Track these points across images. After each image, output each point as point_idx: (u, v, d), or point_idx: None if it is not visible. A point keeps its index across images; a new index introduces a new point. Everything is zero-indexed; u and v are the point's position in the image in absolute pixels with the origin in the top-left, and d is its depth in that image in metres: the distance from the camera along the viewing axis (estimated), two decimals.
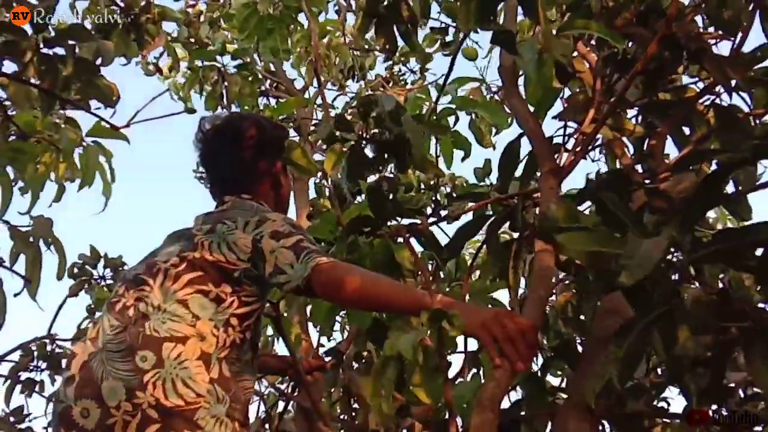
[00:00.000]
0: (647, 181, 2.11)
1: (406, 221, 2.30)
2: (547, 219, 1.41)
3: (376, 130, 2.49)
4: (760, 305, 1.37)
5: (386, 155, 2.53)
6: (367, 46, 4.85)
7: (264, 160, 2.20)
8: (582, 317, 2.08)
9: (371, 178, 2.54)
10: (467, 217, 2.34)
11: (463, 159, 2.52)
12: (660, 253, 1.35)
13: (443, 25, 3.27)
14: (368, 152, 2.52)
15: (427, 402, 1.49)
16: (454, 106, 2.43)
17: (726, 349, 1.38)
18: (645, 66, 1.92)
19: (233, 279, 1.90)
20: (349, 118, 2.67)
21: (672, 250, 1.42)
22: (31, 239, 2.79)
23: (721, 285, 1.44)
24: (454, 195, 3.33)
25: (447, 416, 1.55)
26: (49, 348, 4.04)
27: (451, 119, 2.68)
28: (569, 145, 2.20)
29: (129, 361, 1.76)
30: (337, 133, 2.49)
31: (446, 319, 1.43)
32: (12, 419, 3.93)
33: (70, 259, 3.12)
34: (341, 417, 2.48)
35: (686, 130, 2.27)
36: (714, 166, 2.26)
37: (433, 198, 3.38)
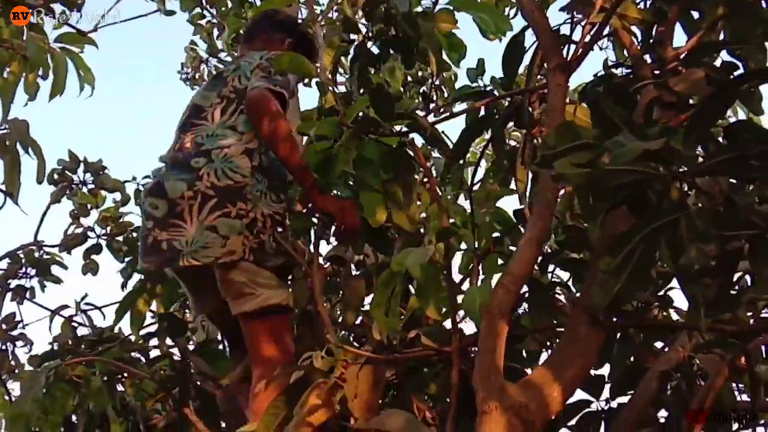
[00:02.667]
0: (657, 72, 2.06)
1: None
2: (546, 146, 1.37)
3: (381, 27, 2.43)
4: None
5: (391, 51, 2.48)
6: None
7: (278, 33, 2.81)
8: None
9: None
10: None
11: (458, 62, 2.45)
12: (652, 147, 1.32)
13: None
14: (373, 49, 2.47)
15: (435, 317, 1.50)
16: (452, 8, 2.34)
17: (733, 258, 1.37)
18: None
19: None
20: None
21: None
22: (7, 143, 2.74)
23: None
24: (444, 89, 3.27)
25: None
26: (36, 255, 4.07)
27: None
28: (576, 36, 2.13)
29: (186, 166, 2.39)
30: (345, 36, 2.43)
31: (453, 236, 1.42)
32: (4, 326, 3.98)
33: (49, 165, 3.04)
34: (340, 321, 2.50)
35: (696, 15, 2.20)
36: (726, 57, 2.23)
37: (421, 91, 3.29)
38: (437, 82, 3.71)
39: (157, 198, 2.39)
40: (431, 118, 2.51)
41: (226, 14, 5.42)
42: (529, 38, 2.12)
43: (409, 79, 3.83)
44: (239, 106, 2.48)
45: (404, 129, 2.08)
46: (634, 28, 2.15)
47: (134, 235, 3.94)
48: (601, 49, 2.38)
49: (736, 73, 2.16)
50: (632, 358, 2.16)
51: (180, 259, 2.32)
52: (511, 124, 2.29)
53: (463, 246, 2.38)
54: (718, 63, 1.99)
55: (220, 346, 2.91)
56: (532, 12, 1.96)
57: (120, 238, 4.07)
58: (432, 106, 3.81)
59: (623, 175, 1.39)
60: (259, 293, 2.34)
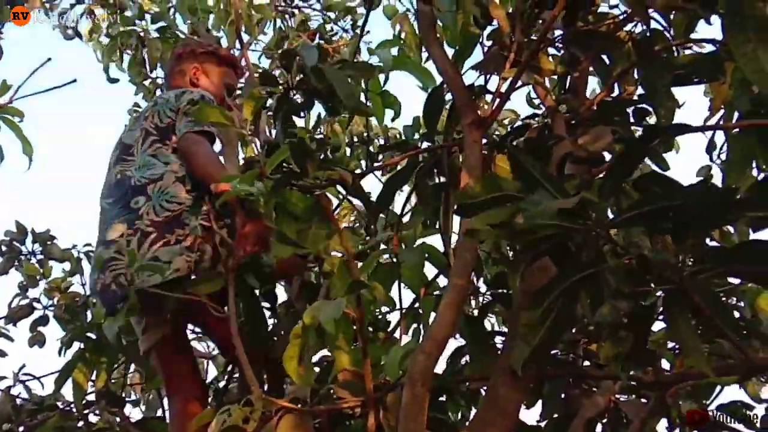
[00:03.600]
0: (573, 122, 2.10)
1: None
2: (468, 196, 1.39)
3: (302, 77, 2.44)
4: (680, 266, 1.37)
5: (315, 101, 2.49)
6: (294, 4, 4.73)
7: (185, 64, 2.95)
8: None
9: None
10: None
11: (393, 119, 2.49)
12: (567, 205, 1.35)
13: None
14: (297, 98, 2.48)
15: (349, 368, 1.50)
16: (383, 65, 2.37)
17: (647, 313, 1.40)
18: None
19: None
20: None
21: None
22: None
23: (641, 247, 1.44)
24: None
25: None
26: None
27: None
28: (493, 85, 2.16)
29: (126, 207, 2.47)
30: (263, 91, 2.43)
31: (365, 289, 1.42)
32: None
33: None
34: None
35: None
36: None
37: (368, 151, 3.35)
38: (382, 141, 3.76)
39: (101, 246, 2.47)
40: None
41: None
42: None
43: (356, 139, 3.90)
44: (161, 139, 2.59)
45: (325, 181, 2.09)
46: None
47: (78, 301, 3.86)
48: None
49: (650, 120, 2.25)
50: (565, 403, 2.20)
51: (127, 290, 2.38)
52: None
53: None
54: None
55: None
56: (446, 69, 1.99)
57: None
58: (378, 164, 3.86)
59: (541, 230, 1.41)
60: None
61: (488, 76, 2.10)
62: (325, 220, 1.97)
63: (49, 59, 2.56)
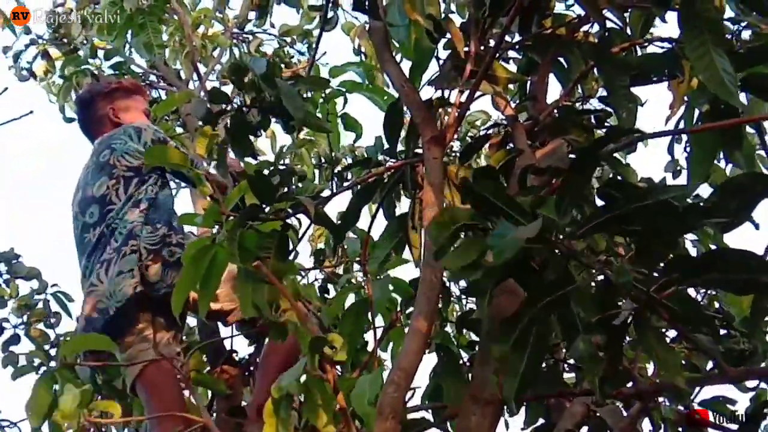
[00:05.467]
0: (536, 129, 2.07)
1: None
2: (431, 239, 1.36)
3: (255, 95, 2.39)
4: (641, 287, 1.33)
5: (270, 118, 2.45)
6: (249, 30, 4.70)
7: (100, 108, 3.00)
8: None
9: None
10: None
11: (354, 141, 2.46)
12: (530, 234, 1.32)
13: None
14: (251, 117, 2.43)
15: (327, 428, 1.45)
16: (344, 89, 2.34)
17: (619, 333, 1.36)
18: (519, 5, 1.85)
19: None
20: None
21: None
22: None
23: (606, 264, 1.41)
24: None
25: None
26: None
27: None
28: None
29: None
30: (214, 109, 2.38)
31: (327, 345, 1.38)
32: None
33: None
34: None
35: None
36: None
37: (336, 171, 3.32)
38: (350, 160, 3.73)
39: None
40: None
41: None
42: None
43: (323, 159, 3.88)
44: (140, 179, 2.71)
45: (288, 211, 2.03)
46: None
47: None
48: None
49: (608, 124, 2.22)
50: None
51: (109, 310, 2.50)
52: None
53: None
54: None
55: None
56: (402, 86, 1.94)
57: (40, 326, 3.99)
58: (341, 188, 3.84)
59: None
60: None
61: (445, 91, 2.06)
62: (285, 254, 1.91)
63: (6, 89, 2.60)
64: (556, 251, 1.40)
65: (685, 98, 2.07)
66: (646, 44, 2.09)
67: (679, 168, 2.84)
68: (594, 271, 1.41)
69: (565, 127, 1.92)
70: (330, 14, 3.01)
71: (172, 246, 2.61)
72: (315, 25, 4.37)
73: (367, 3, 1.95)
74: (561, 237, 1.40)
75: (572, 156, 1.88)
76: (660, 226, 1.35)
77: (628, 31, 2.08)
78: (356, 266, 3.55)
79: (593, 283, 1.44)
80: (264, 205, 1.98)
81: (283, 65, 4.52)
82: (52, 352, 3.96)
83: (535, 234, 1.30)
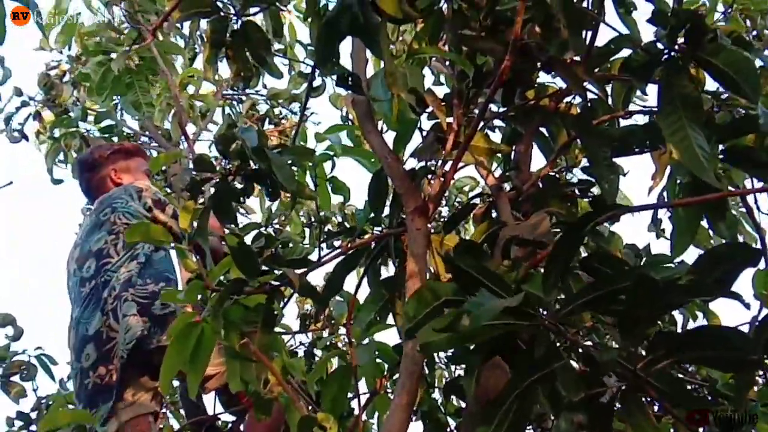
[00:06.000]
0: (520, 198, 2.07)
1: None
2: (408, 317, 1.35)
3: (240, 163, 2.39)
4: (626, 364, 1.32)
5: (255, 186, 2.44)
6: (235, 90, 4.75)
7: (101, 171, 3.13)
8: None
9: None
10: None
11: (343, 204, 2.48)
12: (510, 304, 1.31)
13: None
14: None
15: None
16: (332, 153, 2.36)
17: (606, 411, 1.35)
18: (502, 79, 1.87)
19: None
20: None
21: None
22: None
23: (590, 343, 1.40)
24: (347, 225, 3.30)
25: None
26: None
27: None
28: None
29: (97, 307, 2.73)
30: (199, 177, 2.37)
31: (316, 425, 1.36)
32: None
33: None
34: None
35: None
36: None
37: (326, 230, 3.32)
38: (340, 219, 3.74)
39: (85, 345, 2.68)
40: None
41: None
42: None
43: (313, 219, 3.91)
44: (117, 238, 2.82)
45: (273, 283, 2.02)
46: None
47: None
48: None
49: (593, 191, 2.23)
50: None
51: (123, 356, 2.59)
52: None
53: None
54: None
55: None
56: (385, 157, 1.95)
57: (16, 378, 3.97)
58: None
59: (488, 331, 1.37)
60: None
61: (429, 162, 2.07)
62: (271, 327, 1.90)
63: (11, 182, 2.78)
64: (542, 328, 1.39)
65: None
66: (628, 116, 2.12)
67: (663, 228, 2.84)
68: (580, 350, 1.40)
69: (548, 199, 1.92)
70: (318, 82, 3.06)
71: (161, 303, 2.69)
72: (302, 90, 4.43)
73: (350, 79, 1.95)
74: (546, 313, 1.40)
75: (556, 230, 1.87)
76: (643, 303, 1.35)
77: (611, 101, 2.12)
78: (342, 329, 3.54)
79: (578, 359, 1.43)
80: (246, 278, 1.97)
81: (272, 125, 4.56)
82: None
83: (515, 305, 1.29)
